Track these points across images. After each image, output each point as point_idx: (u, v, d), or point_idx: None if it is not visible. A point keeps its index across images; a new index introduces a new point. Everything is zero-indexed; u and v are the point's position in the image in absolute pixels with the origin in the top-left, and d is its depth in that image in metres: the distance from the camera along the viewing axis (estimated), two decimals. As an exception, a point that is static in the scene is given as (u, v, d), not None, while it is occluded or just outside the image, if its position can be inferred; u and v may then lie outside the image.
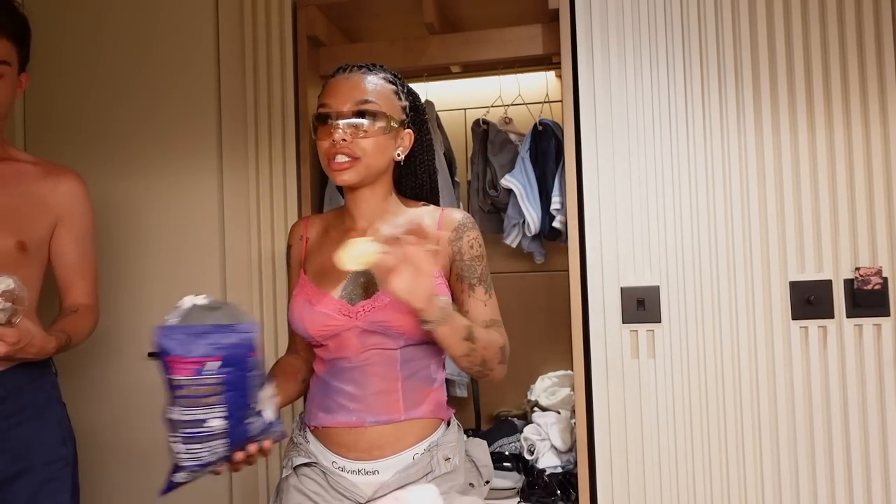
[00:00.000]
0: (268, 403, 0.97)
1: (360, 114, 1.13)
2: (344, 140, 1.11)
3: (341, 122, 1.12)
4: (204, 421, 0.89)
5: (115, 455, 1.93)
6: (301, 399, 1.34)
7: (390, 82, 1.19)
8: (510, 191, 2.06)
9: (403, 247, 0.97)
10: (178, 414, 0.89)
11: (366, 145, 1.13)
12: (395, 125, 1.16)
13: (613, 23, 1.68)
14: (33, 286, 1.35)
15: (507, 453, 2.03)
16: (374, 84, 1.16)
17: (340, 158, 1.12)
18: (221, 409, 0.89)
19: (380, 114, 1.14)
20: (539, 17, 1.90)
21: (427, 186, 1.28)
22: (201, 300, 0.93)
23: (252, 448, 0.98)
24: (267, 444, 1.01)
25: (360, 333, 1.13)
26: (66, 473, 1.35)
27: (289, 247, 1.29)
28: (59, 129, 2.00)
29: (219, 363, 0.88)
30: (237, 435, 0.93)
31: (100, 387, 1.95)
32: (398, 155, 1.19)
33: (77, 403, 1.57)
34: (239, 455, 0.97)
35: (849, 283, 1.57)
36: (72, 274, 1.42)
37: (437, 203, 1.30)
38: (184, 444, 0.91)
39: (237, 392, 0.90)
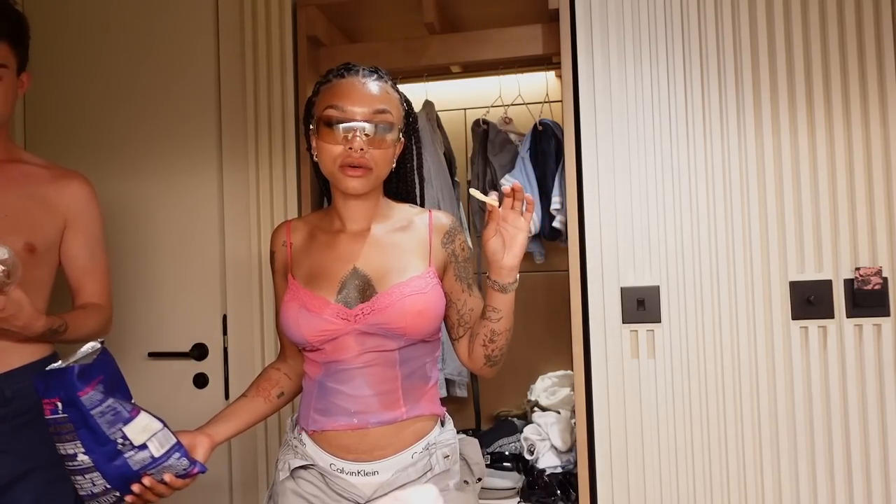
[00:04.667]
0: (144, 437, 1.01)
1: (377, 123, 1.10)
2: (362, 149, 1.09)
3: (358, 129, 1.09)
4: (75, 455, 0.99)
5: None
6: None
7: (395, 91, 1.18)
8: (510, 191, 2.05)
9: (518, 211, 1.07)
10: (57, 449, 1.00)
11: (378, 156, 1.11)
12: (401, 135, 1.17)
13: (613, 23, 1.68)
14: (43, 289, 1.35)
15: (507, 453, 2.03)
16: (388, 92, 1.15)
17: (354, 166, 1.10)
18: (80, 445, 0.98)
19: (392, 125, 1.13)
20: (539, 17, 1.90)
21: (415, 191, 1.29)
22: (84, 349, 1.02)
23: (147, 481, 1.02)
24: (168, 477, 1.04)
25: (358, 336, 1.13)
26: None
27: (272, 253, 1.27)
28: (58, 129, 2.00)
29: (60, 404, 0.97)
30: (114, 469, 1.00)
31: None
32: (393, 162, 1.18)
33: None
34: (135, 487, 1.02)
35: (849, 283, 1.57)
36: (82, 276, 1.42)
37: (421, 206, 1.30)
38: (71, 475, 1.01)
39: (86, 429, 0.97)
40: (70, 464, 1.00)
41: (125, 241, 1.96)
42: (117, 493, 1.02)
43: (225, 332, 1.91)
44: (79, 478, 1.00)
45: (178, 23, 1.95)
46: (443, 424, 1.22)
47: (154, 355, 1.94)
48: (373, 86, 1.13)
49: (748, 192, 1.61)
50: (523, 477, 1.96)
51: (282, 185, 1.89)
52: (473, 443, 1.28)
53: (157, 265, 1.95)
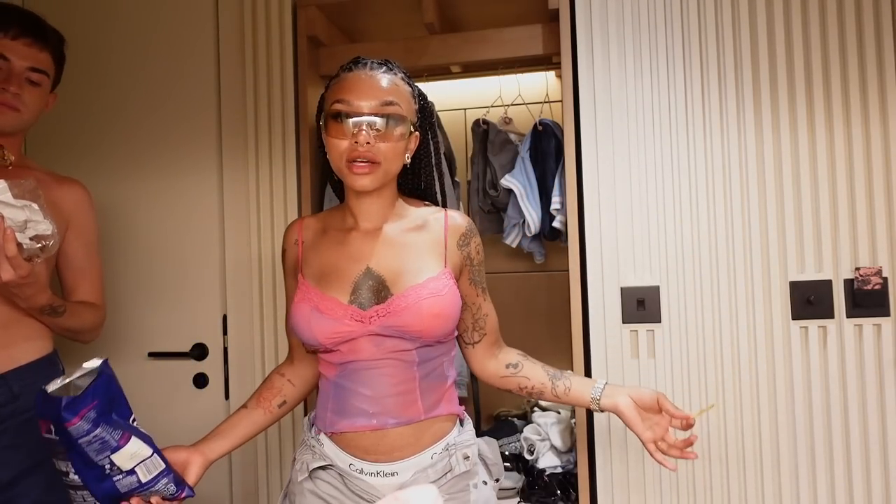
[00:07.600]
0: (132, 463, 1.02)
1: (384, 116, 1.07)
2: (368, 143, 1.05)
3: (365, 123, 1.06)
4: (67, 473, 1.02)
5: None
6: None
7: (408, 84, 1.15)
8: (510, 191, 2.06)
9: None
10: (53, 464, 1.04)
11: (387, 150, 1.08)
12: (412, 129, 1.12)
13: (613, 23, 1.68)
14: None
15: (507, 453, 2.03)
16: (397, 85, 1.11)
17: (361, 162, 1.06)
18: (71, 466, 1.01)
19: (401, 117, 1.09)
20: (539, 17, 1.90)
21: (434, 187, 1.25)
22: (89, 365, 1.03)
23: (134, 501, 1.05)
24: (154, 500, 1.05)
25: (373, 338, 1.10)
26: None
27: (283, 251, 1.24)
28: (58, 128, 2.00)
29: (53, 427, 1.00)
30: (103, 490, 1.03)
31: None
32: (407, 158, 1.14)
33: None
34: None
35: (849, 283, 1.57)
36: (78, 276, 1.46)
37: (444, 202, 1.27)
38: (66, 489, 1.05)
39: (75, 453, 1.00)
40: (64, 479, 1.03)
41: (125, 240, 1.96)
42: None
43: (225, 332, 1.91)
44: (72, 492, 1.04)
45: (178, 23, 1.95)
46: (462, 424, 1.21)
47: (154, 355, 1.94)
48: (381, 78, 1.10)
49: (748, 192, 1.61)
50: (523, 477, 1.96)
51: (282, 186, 1.88)
52: (492, 443, 1.27)
53: (158, 265, 1.95)
